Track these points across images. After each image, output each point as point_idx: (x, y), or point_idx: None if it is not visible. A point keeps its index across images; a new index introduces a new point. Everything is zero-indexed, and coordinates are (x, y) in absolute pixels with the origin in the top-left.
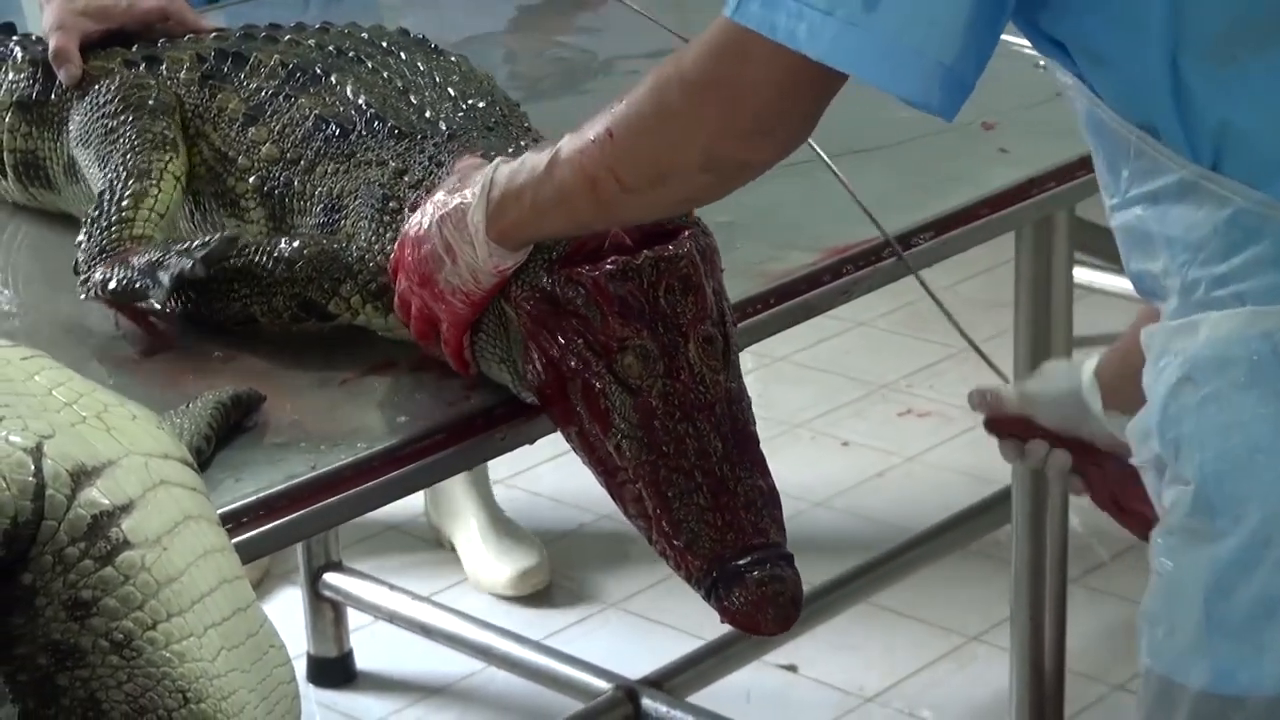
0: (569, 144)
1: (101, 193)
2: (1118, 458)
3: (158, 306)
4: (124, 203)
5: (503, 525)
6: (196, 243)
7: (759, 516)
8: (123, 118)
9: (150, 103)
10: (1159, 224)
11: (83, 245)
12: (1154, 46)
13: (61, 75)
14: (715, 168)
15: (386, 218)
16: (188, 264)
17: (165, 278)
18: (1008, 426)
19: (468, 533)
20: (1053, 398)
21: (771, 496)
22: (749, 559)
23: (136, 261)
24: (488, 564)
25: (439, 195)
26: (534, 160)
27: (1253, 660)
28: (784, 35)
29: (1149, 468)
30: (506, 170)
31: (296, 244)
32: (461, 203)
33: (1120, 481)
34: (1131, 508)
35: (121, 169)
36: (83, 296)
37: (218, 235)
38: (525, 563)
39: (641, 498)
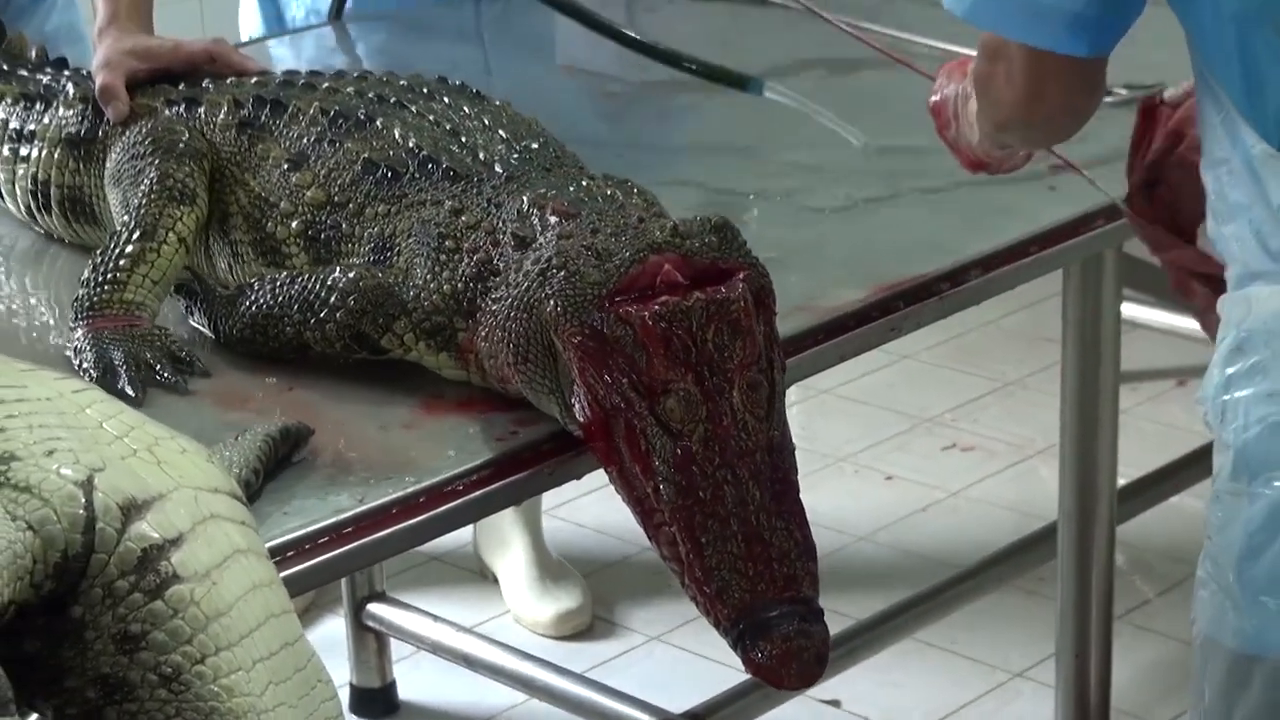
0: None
1: (111, 236)
2: None
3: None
4: (121, 261)
5: (548, 563)
6: (152, 352)
7: (792, 569)
8: (150, 160)
9: (180, 146)
10: (1234, 190)
11: (79, 293)
12: (1226, 21)
13: (109, 112)
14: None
15: (443, 256)
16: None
17: (119, 383)
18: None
19: (512, 568)
20: None
21: (807, 549)
22: (778, 612)
23: (107, 350)
24: (530, 602)
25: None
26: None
27: (1276, 621)
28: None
29: (1209, 430)
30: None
31: (352, 275)
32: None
33: None
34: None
35: (132, 219)
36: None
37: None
38: (568, 604)
39: (676, 541)
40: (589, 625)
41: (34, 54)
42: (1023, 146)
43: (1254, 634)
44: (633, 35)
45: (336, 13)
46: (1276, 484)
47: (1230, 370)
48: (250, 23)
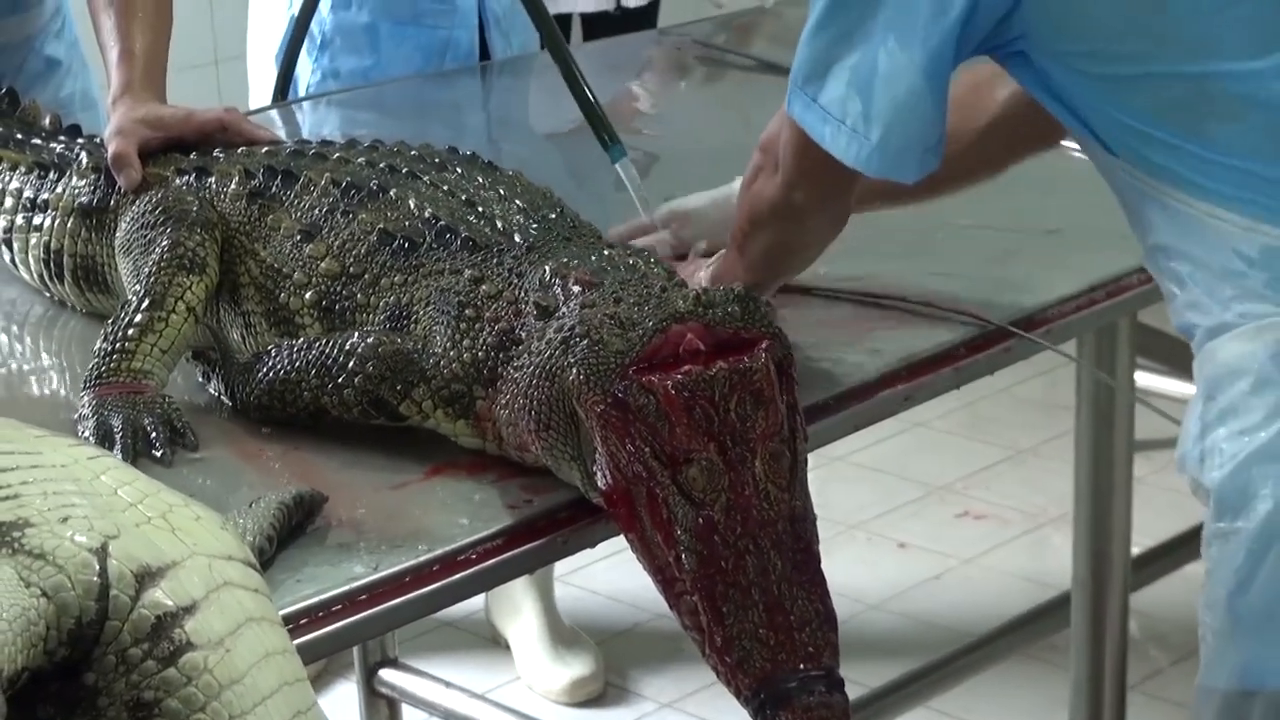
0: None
1: (122, 306)
2: None
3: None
4: (130, 330)
5: (560, 630)
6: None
7: (813, 639)
8: (160, 229)
9: (190, 215)
10: (1180, 262)
11: (93, 361)
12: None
13: (121, 180)
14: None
15: (464, 325)
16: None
17: (114, 450)
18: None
19: (525, 634)
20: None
21: (828, 618)
22: (799, 682)
23: (108, 417)
24: (542, 668)
25: None
26: None
27: (1270, 653)
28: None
29: (1194, 492)
30: None
31: (370, 340)
32: None
33: None
34: None
35: (143, 288)
36: None
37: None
38: (580, 670)
39: (697, 610)
40: (601, 692)
41: (48, 122)
42: (776, 249)
43: (1251, 667)
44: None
45: (281, 94)
46: (1254, 514)
47: (1205, 418)
48: (261, 91)
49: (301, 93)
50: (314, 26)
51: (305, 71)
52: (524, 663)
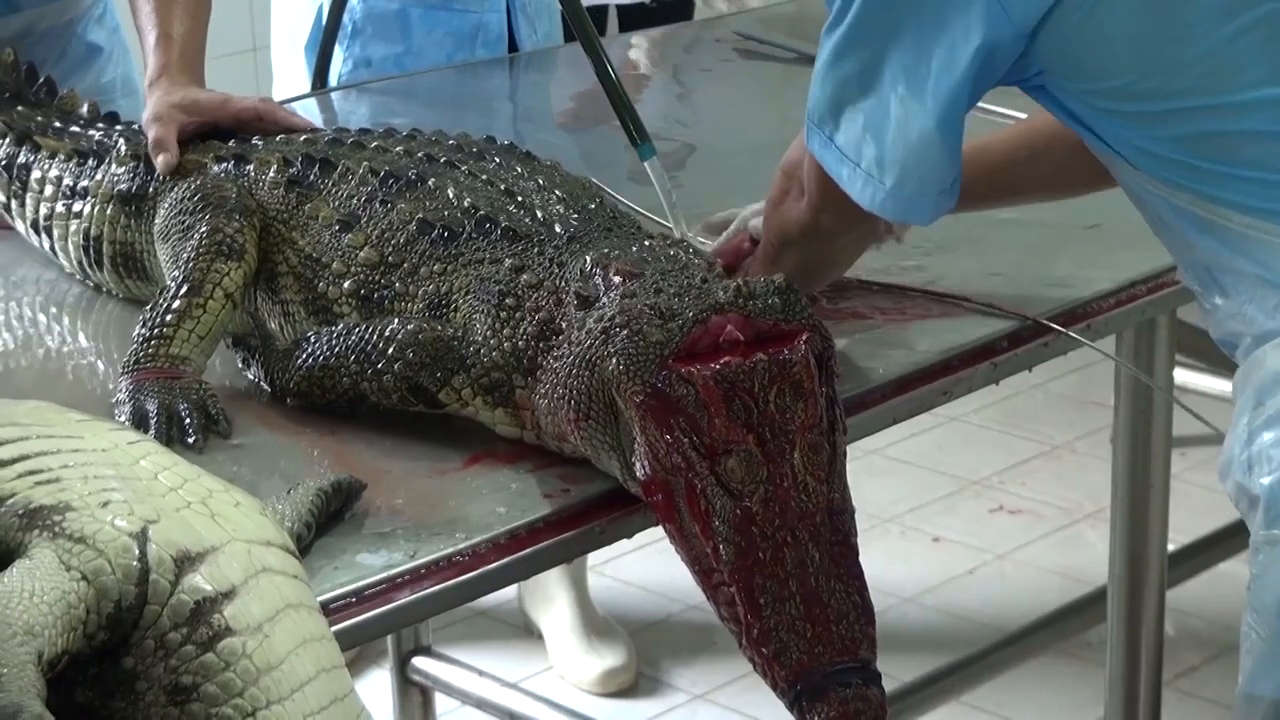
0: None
1: (160, 292)
2: None
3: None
4: (168, 317)
5: (593, 620)
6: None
7: (850, 631)
8: (198, 215)
9: (229, 202)
10: (1226, 274)
11: (131, 346)
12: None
13: (159, 164)
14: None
15: (504, 314)
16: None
17: (150, 425)
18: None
19: (557, 624)
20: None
21: (865, 611)
22: (835, 674)
23: (143, 401)
24: (575, 658)
25: None
26: None
27: None
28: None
29: (1235, 501)
30: None
31: (410, 327)
32: None
33: None
34: None
35: (181, 274)
36: None
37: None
38: (613, 661)
39: (734, 601)
40: (633, 683)
41: (85, 110)
42: (806, 266)
43: None
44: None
45: (320, 83)
46: None
47: (1252, 424)
48: (286, 81)
49: (333, 81)
50: (345, 15)
51: (336, 60)
52: (557, 652)
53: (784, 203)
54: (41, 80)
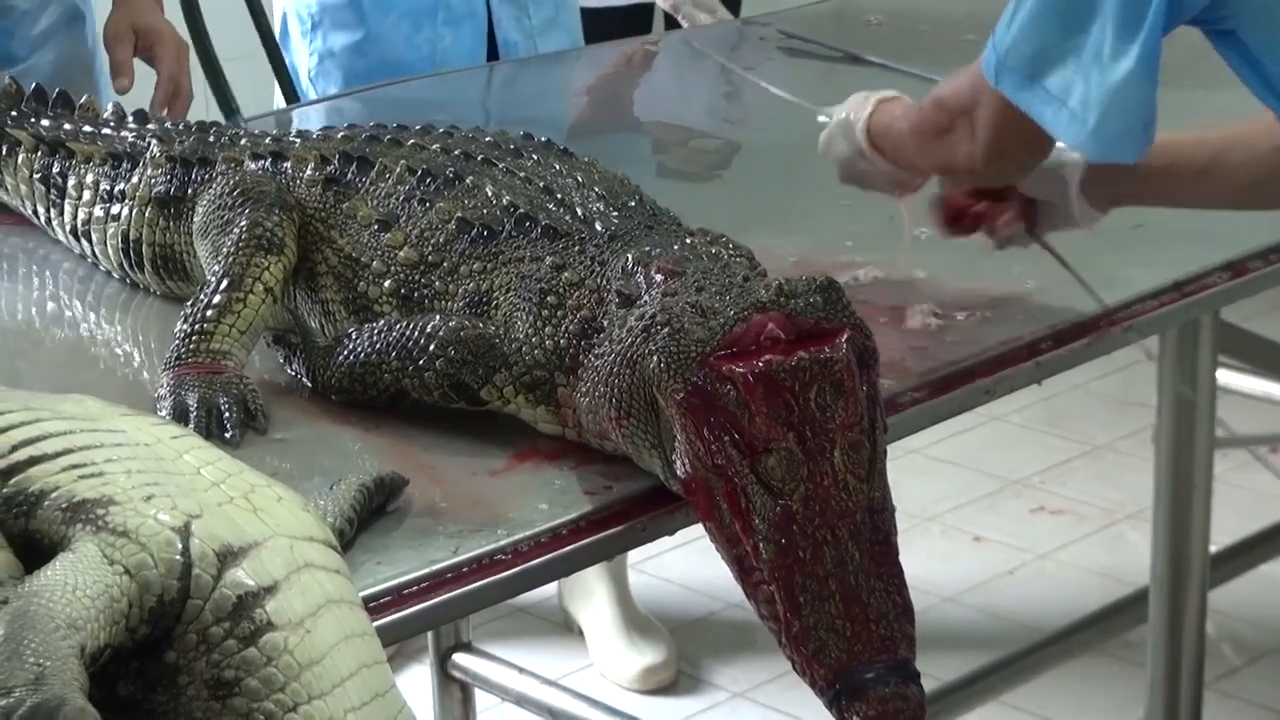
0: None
1: (201, 287)
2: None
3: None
4: (209, 312)
5: (634, 617)
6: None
7: (889, 630)
8: (238, 210)
9: (269, 197)
10: None
11: (173, 342)
12: None
13: (115, 88)
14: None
15: (545, 312)
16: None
17: (191, 419)
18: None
19: (598, 621)
20: None
21: (905, 610)
22: (875, 673)
23: (184, 396)
24: (616, 655)
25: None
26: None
27: None
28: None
29: None
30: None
31: (452, 324)
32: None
33: None
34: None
35: (221, 268)
36: None
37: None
38: (653, 658)
39: (774, 600)
40: (674, 680)
41: (110, 111)
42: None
43: None
44: None
45: (287, 91)
46: None
47: None
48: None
49: (304, 77)
50: (302, 9)
51: (304, 57)
52: (597, 649)
53: (945, 138)
54: (55, 96)
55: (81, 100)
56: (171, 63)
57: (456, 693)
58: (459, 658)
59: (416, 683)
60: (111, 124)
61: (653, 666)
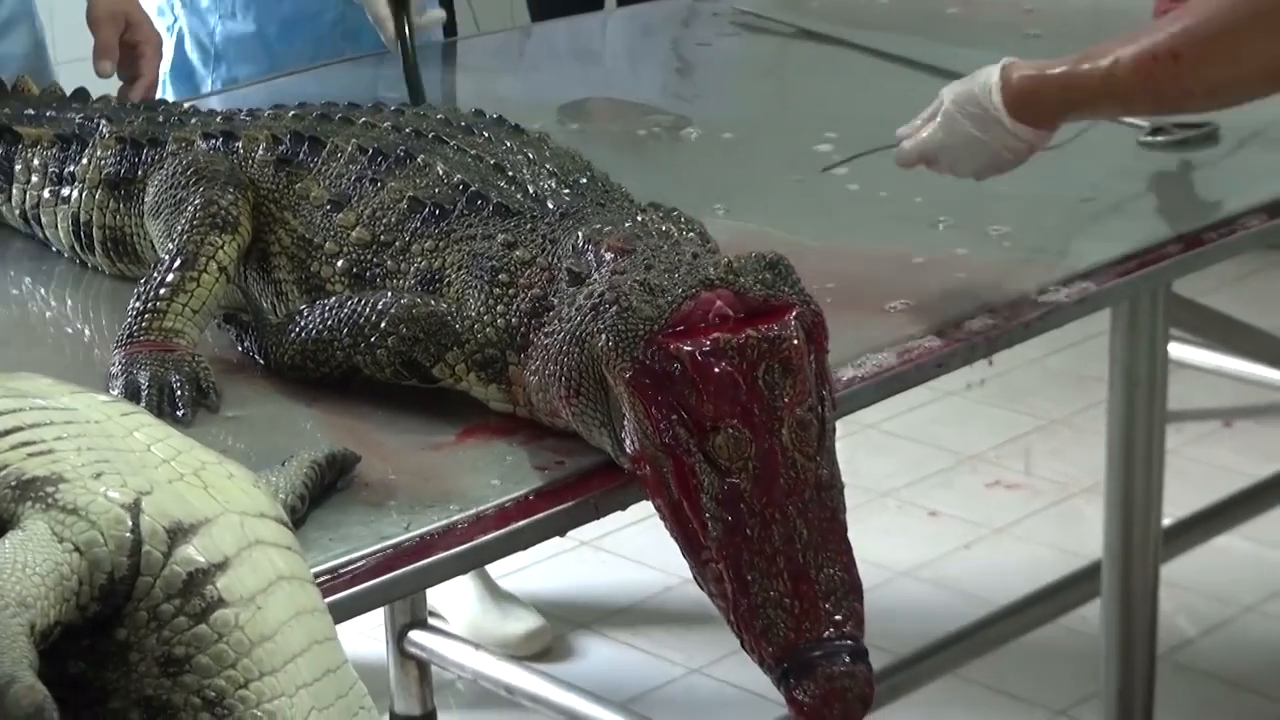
0: (1128, 55)
1: (154, 265)
2: None
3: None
4: (162, 290)
5: (496, 590)
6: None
7: (838, 608)
8: (192, 189)
9: (222, 176)
10: None
11: (126, 320)
12: None
13: (99, 70)
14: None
15: (497, 290)
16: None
17: (142, 397)
18: None
19: (463, 596)
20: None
21: (854, 589)
22: (822, 651)
23: (136, 374)
24: (492, 624)
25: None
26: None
27: None
28: None
29: None
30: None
31: (404, 301)
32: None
33: None
34: None
35: (174, 247)
36: None
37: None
38: (532, 623)
39: (722, 578)
40: (549, 645)
41: (49, 91)
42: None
43: None
44: None
45: None
46: None
47: None
48: None
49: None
50: (204, 38)
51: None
52: (470, 621)
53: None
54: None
55: (15, 81)
56: (155, 67)
57: (413, 670)
58: (416, 634)
59: (373, 660)
60: (56, 104)
61: (532, 632)
